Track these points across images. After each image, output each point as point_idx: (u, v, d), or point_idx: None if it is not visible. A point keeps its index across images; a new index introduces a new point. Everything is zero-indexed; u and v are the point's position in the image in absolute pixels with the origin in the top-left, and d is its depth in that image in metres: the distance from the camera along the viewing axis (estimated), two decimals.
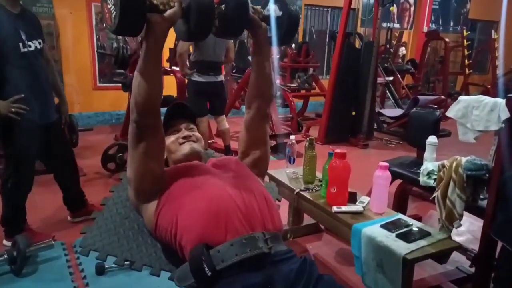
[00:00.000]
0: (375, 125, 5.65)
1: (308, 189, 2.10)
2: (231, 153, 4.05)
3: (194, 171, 1.18)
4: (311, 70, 6.36)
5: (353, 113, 5.18)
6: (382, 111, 5.93)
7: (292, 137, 2.34)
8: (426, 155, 2.30)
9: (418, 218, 2.77)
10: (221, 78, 3.71)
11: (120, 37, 5.68)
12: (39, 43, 2.15)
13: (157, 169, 1.13)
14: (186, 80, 3.71)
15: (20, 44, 2.05)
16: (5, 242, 2.26)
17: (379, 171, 1.82)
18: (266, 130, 1.33)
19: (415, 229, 1.66)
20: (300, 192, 2.08)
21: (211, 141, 4.55)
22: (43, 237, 2.16)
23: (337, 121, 5.12)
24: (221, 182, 1.13)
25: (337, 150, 1.84)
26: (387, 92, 6.50)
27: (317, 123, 5.47)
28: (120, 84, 4.04)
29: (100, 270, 1.96)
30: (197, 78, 3.55)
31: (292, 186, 2.16)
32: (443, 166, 1.80)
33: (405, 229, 1.66)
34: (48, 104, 2.29)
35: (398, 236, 1.60)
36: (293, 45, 6.71)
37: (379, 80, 5.86)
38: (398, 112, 5.73)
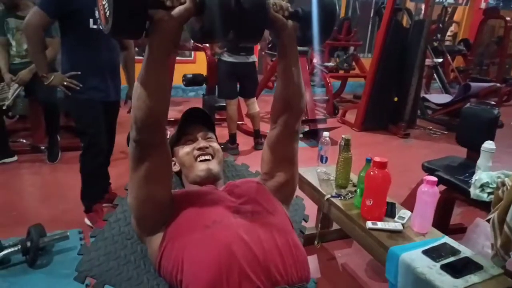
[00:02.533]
0: (419, 111, 5.23)
1: (340, 196, 1.88)
2: (260, 137, 3.86)
3: (206, 202, 1.00)
4: (351, 49, 5.96)
5: (395, 99, 4.79)
6: (427, 96, 5.48)
7: (326, 133, 2.10)
8: (480, 162, 2.01)
9: (462, 228, 2.49)
10: (253, 58, 3.47)
11: None
12: None
13: (162, 196, 0.96)
14: (217, 60, 3.51)
15: (91, 20, 2.03)
16: (86, 220, 2.35)
17: (425, 186, 1.56)
18: (294, 149, 1.11)
19: (464, 259, 1.42)
20: (331, 198, 1.87)
21: (241, 122, 4.36)
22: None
23: (376, 106, 4.75)
24: (237, 222, 0.94)
25: (377, 158, 1.59)
26: (435, 75, 5.99)
27: (354, 107, 5.14)
28: None
29: None
30: (227, 58, 3.34)
31: (322, 190, 1.95)
32: (503, 184, 1.53)
33: (452, 258, 1.42)
34: (109, 84, 2.25)
35: (443, 267, 1.36)
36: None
37: (427, 62, 5.38)
38: (445, 98, 5.27)
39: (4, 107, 3.01)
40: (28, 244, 1.87)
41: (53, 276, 1.86)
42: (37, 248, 1.88)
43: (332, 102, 5.31)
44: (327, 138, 2.09)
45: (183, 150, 1.17)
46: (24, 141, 3.49)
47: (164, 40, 0.80)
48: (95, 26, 2.03)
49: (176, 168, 1.21)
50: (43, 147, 3.35)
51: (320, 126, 4.12)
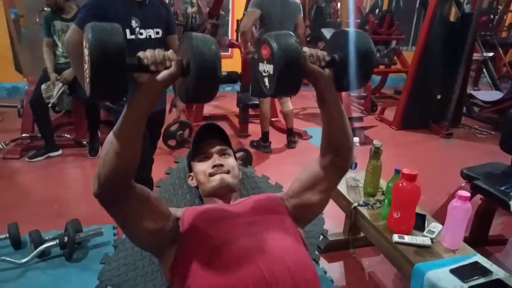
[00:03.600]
0: (464, 109, 4.95)
1: (368, 205, 1.83)
2: (293, 135, 3.83)
3: (217, 220, 1.00)
4: (393, 43, 5.71)
5: (438, 96, 4.55)
6: (474, 93, 5.17)
7: (356, 139, 2.04)
8: None
9: (503, 240, 2.35)
10: None
11: (194, 2, 5.59)
12: (156, 33, 2.06)
13: (155, 226, 0.94)
14: (251, 58, 3.50)
15: (127, 31, 1.98)
16: None
17: (457, 201, 1.48)
18: (335, 184, 1.09)
19: (496, 281, 1.34)
20: (358, 207, 1.83)
21: (275, 119, 4.35)
22: None
23: (418, 103, 4.54)
24: (246, 242, 0.94)
25: (406, 170, 1.53)
26: (484, 70, 5.62)
27: (394, 104, 4.95)
28: None
29: None
30: None
31: (350, 197, 1.91)
32: None
33: (482, 280, 1.34)
34: None
35: None
36: (376, 11, 6.05)
37: (475, 56, 5.06)
38: (495, 95, 4.95)
39: (49, 105, 3.19)
40: (65, 239, 1.99)
41: (87, 270, 1.96)
42: (73, 243, 1.99)
43: (370, 99, 5.14)
44: (357, 144, 2.03)
45: (199, 168, 1.18)
46: (68, 136, 3.68)
47: (144, 102, 0.78)
48: (132, 37, 2.00)
49: (193, 183, 1.23)
50: (85, 142, 3.53)
51: (356, 124, 4.01)
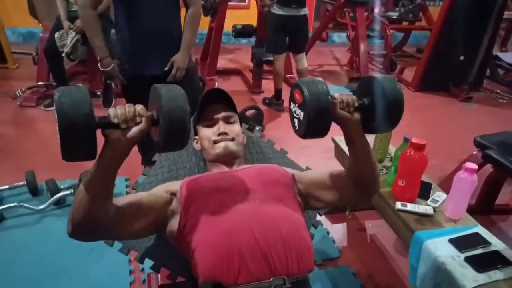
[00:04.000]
0: (488, 71, 4.74)
1: None
2: None
3: (219, 185, 1.03)
4: None
5: (462, 57, 4.35)
6: (501, 55, 4.93)
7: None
8: None
9: (509, 210, 2.36)
10: (305, 11, 3.29)
11: None
12: None
13: (147, 222, 0.98)
14: (266, 12, 3.37)
15: None
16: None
17: (463, 172, 1.47)
18: (355, 198, 1.10)
19: (493, 252, 1.36)
20: None
21: (290, 76, 4.27)
22: None
23: (439, 64, 4.36)
24: (244, 207, 0.98)
25: (414, 139, 1.51)
26: None
27: (414, 65, 4.77)
28: None
29: None
30: (277, 10, 3.19)
31: None
32: None
33: (479, 250, 1.36)
34: (155, 54, 1.94)
35: (467, 259, 1.32)
36: None
37: (507, 14, 4.76)
38: None
39: (63, 54, 3.19)
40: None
41: None
42: None
43: (390, 57, 4.96)
44: None
45: (204, 133, 1.19)
46: (82, 85, 3.71)
47: (115, 157, 0.79)
48: None
49: (198, 146, 1.25)
50: (99, 93, 3.56)
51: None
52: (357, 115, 0.92)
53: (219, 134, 1.15)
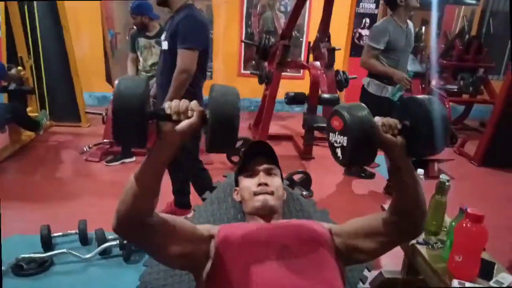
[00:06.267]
0: None
1: (428, 244, 1.68)
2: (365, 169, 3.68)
3: (252, 240, 1.01)
4: (481, 71, 5.28)
5: None
6: None
7: (420, 171, 1.90)
8: None
9: None
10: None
11: (269, 25, 5.77)
12: (166, 45, 2.24)
13: (185, 251, 0.97)
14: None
15: (162, 43, 2.29)
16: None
17: None
18: (397, 242, 1.06)
19: None
20: (417, 245, 1.68)
21: None
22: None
23: (507, 137, 4.07)
24: (278, 267, 0.93)
25: (471, 210, 1.38)
26: None
27: (477, 138, 4.53)
28: None
29: None
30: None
31: None
32: None
33: None
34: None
35: None
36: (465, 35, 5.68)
37: None
38: None
39: None
40: (124, 240, 2.12)
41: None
42: (131, 246, 2.11)
43: (450, 129, 4.77)
44: (422, 176, 1.89)
45: (244, 183, 1.19)
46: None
47: (165, 150, 0.83)
48: (160, 47, 2.34)
49: (238, 198, 1.25)
50: None
51: (430, 156, 3.73)
52: (400, 138, 0.88)
53: (259, 185, 1.15)
